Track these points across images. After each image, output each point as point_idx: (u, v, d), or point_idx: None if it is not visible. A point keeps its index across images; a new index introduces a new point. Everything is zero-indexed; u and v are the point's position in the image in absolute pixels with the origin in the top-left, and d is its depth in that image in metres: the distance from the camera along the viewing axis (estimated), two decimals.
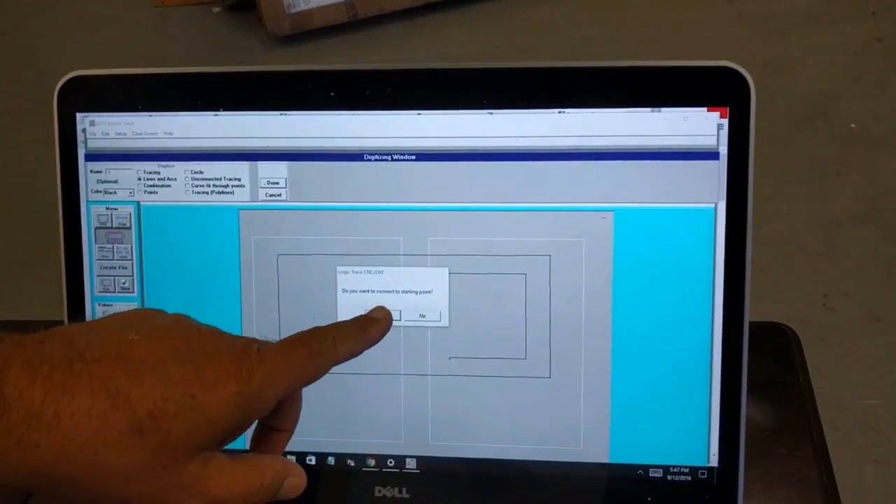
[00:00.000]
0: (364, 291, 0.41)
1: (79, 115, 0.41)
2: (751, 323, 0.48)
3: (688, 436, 0.41)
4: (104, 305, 0.42)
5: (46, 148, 0.42)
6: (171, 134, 0.40)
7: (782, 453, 0.45)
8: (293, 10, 1.48)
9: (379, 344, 0.41)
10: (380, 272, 0.41)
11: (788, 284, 1.20)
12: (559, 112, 0.38)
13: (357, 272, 0.41)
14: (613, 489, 0.41)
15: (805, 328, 1.27)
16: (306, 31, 1.53)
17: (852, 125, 1.33)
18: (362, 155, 0.40)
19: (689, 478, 0.40)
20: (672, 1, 1.55)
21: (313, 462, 0.42)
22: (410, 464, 0.42)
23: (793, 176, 1.30)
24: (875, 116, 1.34)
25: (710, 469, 0.40)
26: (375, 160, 0.40)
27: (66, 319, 0.43)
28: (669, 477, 0.41)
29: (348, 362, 0.41)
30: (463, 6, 1.58)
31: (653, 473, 0.41)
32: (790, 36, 1.45)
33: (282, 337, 0.41)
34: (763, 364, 0.48)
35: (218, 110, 0.39)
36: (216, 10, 1.64)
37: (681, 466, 0.41)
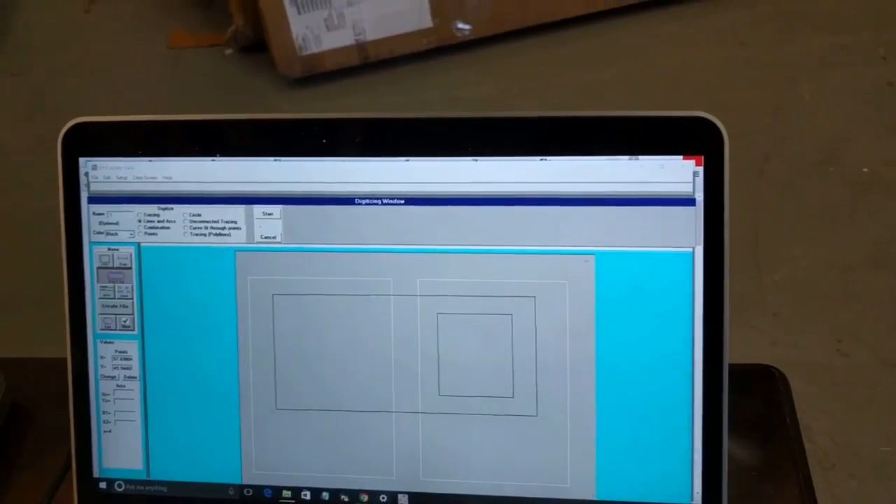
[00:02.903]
0: (356, 330, 0.43)
1: (81, 160, 0.44)
2: (739, 364, 0.50)
3: (672, 474, 0.42)
4: (105, 343, 0.45)
5: (55, 188, 0.45)
6: (171, 178, 0.43)
7: (768, 493, 0.47)
8: (304, 53, 1.53)
9: (371, 381, 0.43)
10: (371, 312, 0.43)
11: (802, 329, 1.21)
12: (541, 160, 0.41)
13: (349, 312, 0.43)
14: None
15: (819, 374, 1.28)
16: (318, 74, 1.58)
17: (865, 169, 1.35)
18: (353, 199, 0.42)
19: None
20: (684, 44, 1.59)
21: (308, 497, 0.45)
22: (402, 500, 0.44)
23: (805, 221, 1.32)
24: (887, 161, 1.36)
25: None
26: (366, 204, 0.42)
27: (68, 356, 0.45)
28: None
29: (342, 399, 0.43)
30: (475, 49, 1.62)
31: None
32: (801, 80, 1.48)
33: (277, 373, 0.44)
34: (750, 405, 0.50)
35: (215, 156, 0.43)
36: (228, 52, 1.69)
37: None
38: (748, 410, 0.50)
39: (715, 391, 0.42)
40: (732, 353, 0.43)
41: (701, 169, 0.41)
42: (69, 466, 0.46)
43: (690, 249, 0.41)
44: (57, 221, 0.45)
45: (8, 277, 1.33)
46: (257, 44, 1.63)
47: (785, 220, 1.32)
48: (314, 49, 1.53)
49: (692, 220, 0.41)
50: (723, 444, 0.42)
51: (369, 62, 1.58)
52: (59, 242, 0.44)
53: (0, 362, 0.55)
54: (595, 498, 0.43)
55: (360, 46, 1.55)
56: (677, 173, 0.41)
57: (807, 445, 1.23)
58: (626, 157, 0.41)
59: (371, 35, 1.53)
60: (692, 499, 0.42)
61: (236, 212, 0.43)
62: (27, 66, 1.72)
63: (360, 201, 0.42)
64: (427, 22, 1.54)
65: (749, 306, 1.22)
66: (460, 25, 1.56)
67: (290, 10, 1.48)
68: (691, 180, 0.41)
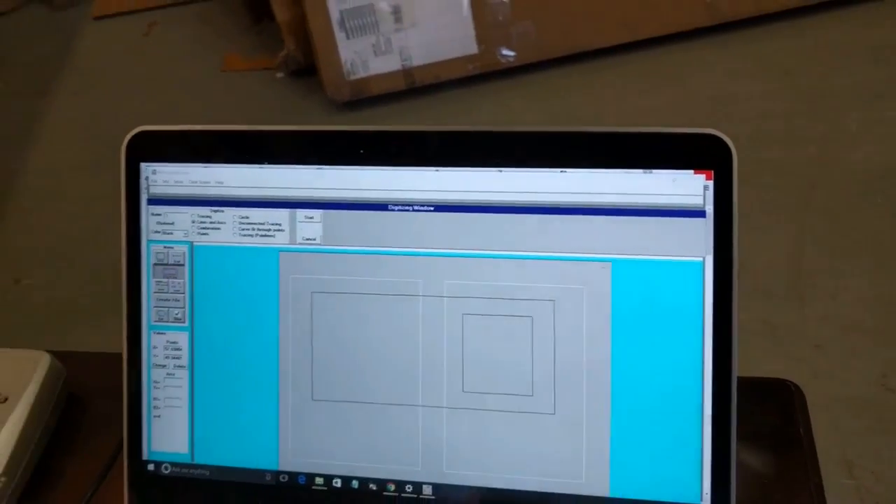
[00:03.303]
0: (387, 327, 0.48)
1: (143, 165, 0.49)
2: (756, 378, 0.53)
3: (682, 474, 0.45)
4: (158, 334, 0.50)
5: (113, 201, 0.50)
6: (222, 183, 0.48)
7: (779, 499, 0.49)
8: (352, 77, 1.59)
9: (400, 376, 0.47)
10: (401, 311, 0.47)
11: (845, 363, 1.22)
12: (561, 171, 0.45)
13: (381, 310, 0.47)
14: None
15: (863, 408, 1.29)
16: (365, 98, 1.64)
17: None
18: (387, 205, 0.47)
19: None
20: (731, 73, 1.62)
21: (339, 485, 0.49)
22: (427, 490, 0.48)
23: (850, 252, 1.33)
24: None
25: None
26: (399, 210, 0.47)
27: (124, 346, 0.50)
28: None
29: (373, 392, 0.47)
30: (520, 75, 1.67)
31: None
32: (848, 111, 1.50)
33: (314, 366, 0.48)
34: (766, 417, 0.53)
35: (263, 163, 0.47)
36: (279, 75, 1.77)
37: (675, 503, 0.45)
38: (763, 421, 0.53)
39: (724, 394, 0.45)
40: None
41: (711, 182, 0.44)
42: (121, 450, 0.51)
43: (701, 259, 0.44)
44: (111, 228, 0.50)
45: (67, 281, 1.40)
46: (307, 68, 1.70)
47: (830, 251, 1.33)
48: (362, 73, 1.59)
49: (702, 231, 0.44)
50: (731, 446, 0.45)
51: (415, 87, 1.64)
52: (118, 243, 0.49)
53: (58, 356, 0.60)
54: (608, 495, 0.46)
55: (407, 72, 1.61)
56: (689, 186, 0.44)
57: (849, 482, 1.24)
58: (641, 171, 0.44)
59: (417, 60, 1.59)
60: (701, 499, 0.45)
61: (281, 215, 0.48)
62: (89, 86, 1.82)
63: (393, 207, 0.47)
64: (472, 48, 1.59)
65: (790, 337, 1.23)
66: (505, 52, 1.61)
67: (339, 36, 1.55)
68: (702, 193, 0.44)
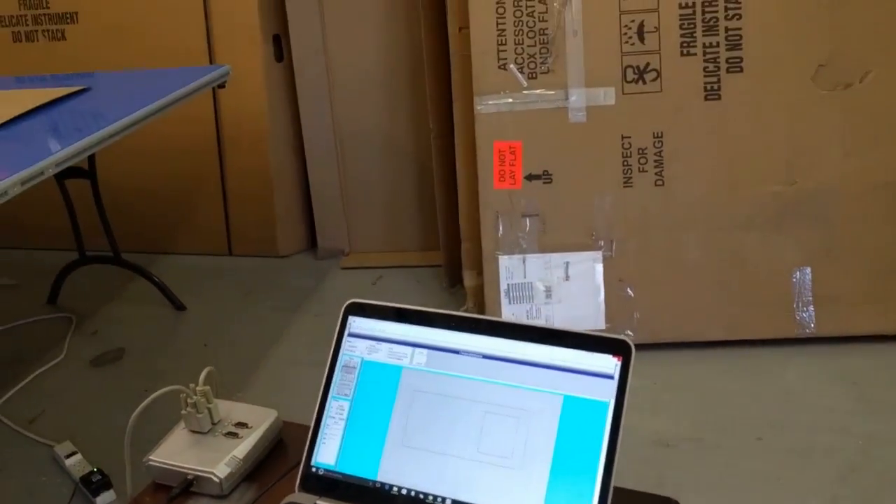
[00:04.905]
0: (449, 414, 0.86)
1: (349, 317, 0.93)
2: (646, 494, 0.86)
3: None
4: (335, 401, 0.91)
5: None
6: (384, 332, 0.91)
7: None
8: None
9: (451, 438, 0.84)
10: (457, 406, 0.86)
11: None
12: (547, 346, 0.84)
13: (448, 405, 0.86)
14: None
15: None
16: None
17: None
18: (459, 351, 0.87)
19: None
20: (805, 377, 1.89)
21: (405, 493, 0.85)
22: (448, 502, 0.84)
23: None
24: None
25: None
26: (465, 355, 0.87)
27: (316, 406, 0.91)
28: None
29: (436, 445, 0.85)
30: (636, 350, 2.02)
31: None
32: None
33: (406, 429, 0.86)
34: None
35: (403, 322, 0.90)
36: None
37: None
38: None
39: (608, 469, 0.78)
40: None
41: (619, 362, 0.81)
42: (299, 461, 0.90)
43: (608, 400, 0.80)
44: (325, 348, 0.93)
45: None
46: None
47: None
48: None
49: (611, 387, 0.81)
50: (609, 495, 0.78)
51: None
52: (327, 357, 0.92)
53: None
54: None
55: None
56: (608, 363, 0.81)
57: None
58: (586, 352, 0.82)
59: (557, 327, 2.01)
60: None
61: (407, 350, 0.89)
62: (327, 311, 2.38)
63: (462, 353, 0.87)
64: (601, 325, 1.99)
65: None
66: (627, 332, 1.99)
67: (504, 301, 2.01)
68: (614, 367, 0.81)
